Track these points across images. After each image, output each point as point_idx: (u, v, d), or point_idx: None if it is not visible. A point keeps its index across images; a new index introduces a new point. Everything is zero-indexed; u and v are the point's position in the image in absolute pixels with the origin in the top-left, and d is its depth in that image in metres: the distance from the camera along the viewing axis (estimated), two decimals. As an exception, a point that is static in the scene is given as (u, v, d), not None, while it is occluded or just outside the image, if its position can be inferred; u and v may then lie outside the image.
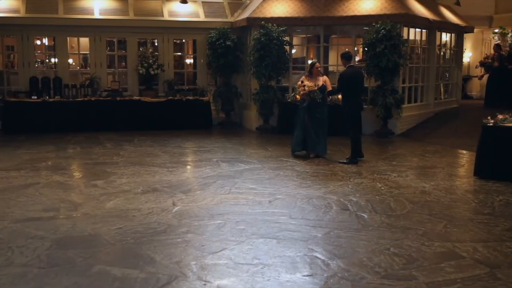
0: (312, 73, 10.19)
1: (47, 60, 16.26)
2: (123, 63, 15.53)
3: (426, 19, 13.89)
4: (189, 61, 17.23)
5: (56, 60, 14.85)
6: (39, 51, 16.42)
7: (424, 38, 14.71)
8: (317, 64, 10.41)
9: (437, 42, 15.17)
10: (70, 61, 15.75)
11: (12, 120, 13.37)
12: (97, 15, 14.29)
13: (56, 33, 14.44)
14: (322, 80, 10.13)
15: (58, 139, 12.23)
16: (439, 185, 8.07)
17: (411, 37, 13.98)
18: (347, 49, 11.73)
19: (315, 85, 9.94)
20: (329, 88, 10.20)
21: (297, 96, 10.14)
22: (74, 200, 7.03)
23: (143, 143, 11.90)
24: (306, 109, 10.04)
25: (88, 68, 15.13)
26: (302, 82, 10.15)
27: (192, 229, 5.78)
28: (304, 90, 9.94)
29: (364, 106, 13.24)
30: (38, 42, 16.69)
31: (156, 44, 15.56)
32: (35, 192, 7.39)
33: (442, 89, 16.31)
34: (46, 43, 16.89)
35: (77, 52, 15.85)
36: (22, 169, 8.96)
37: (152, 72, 14.39)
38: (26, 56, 14.20)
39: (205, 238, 5.51)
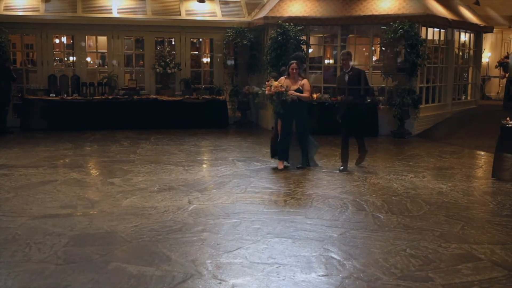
0: (289, 74, 9.02)
1: (65, 59, 16.38)
2: (141, 62, 15.62)
3: (445, 18, 13.78)
4: (206, 60, 17.26)
5: (74, 58, 14.99)
6: (57, 50, 16.54)
7: (442, 38, 14.59)
8: (293, 64, 8.99)
9: (456, 42, 15.05)
10: (88, 59, 15.87)
11: (30, 118, 13.52)
12: (115, 14, 14.39)
13: (74, 31, 14.58)
14: (300, 84, 8.95)
15: (76, 137, 12.34)
16: (456, 186, 8.00)
17: (429, 36, 13.87)
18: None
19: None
20: (306, 93, 8.89)
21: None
22: (91, 197, 7.08)
23: (160, 141, 11.96)
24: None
25: (105, 66, 15.24)
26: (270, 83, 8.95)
27: (208, 228, 5.79)
28: (270, 90, 8.79)
29: (382, 106, 13.24)
30: (57, 41, 16.82)
31: (173, 43, 15.63)
32: (52, 189, 7.45)
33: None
34: (65, 42, 17.03)
35: (95, 51, 15.97)
36: (40, 166, 9.05)
37: (169, 71, 14.48)
38: (45, 54, 14.36)
39: (220, 236, 5.51)
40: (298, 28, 13.32)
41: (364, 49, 16.34)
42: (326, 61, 15.98)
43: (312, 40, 15.25)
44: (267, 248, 5.18)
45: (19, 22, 13.86)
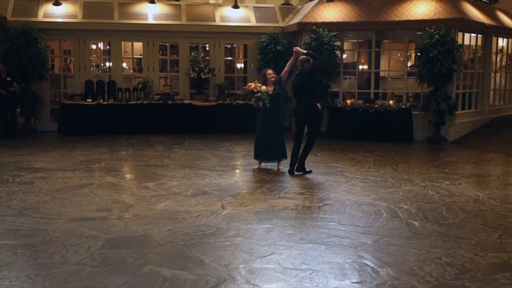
0: (266, 82, 9.34)
1: (102, 64, 16.67)
2: (175, 67, 15.78)
3: (482, 23, 13.55)
4: (239, 65, 17.35)
5: (111, 64, 15.23)
6: (94, 55, 16.86)
7: (479, 43, 14.35)
8: (269, 71, 9.47)
9: (493, 48, 14.78)
10: (124, 65, 16.11)
11: (68, 122, 13.78)
12: (150, 20, 14.59)
13: (111, 37, 14.83)
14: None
15: (111, 141, 12.52)
16: (493, 194, 7.84)
17: (466, 42, 13.66)
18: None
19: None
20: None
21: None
22: (126, 201, 7.17)
23: (193, 146, 12.05)
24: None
25: (141, 72, 15.45)
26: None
27: (241, 233, 5.80)
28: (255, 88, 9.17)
29: (416, 112, 13.12)
30: (94, 47, 17.15)
31: (207, 48, 15.75)
32: (89, 192, 7.58)
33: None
34: (101, 48, 17.33)
35: (131, 56, 16.20)
36: (77, 169, 9.21)
37: (203, 76, 14.57)
38: (82, 60, 14.63)
39: (253, 242, 5.52)
40: (332, 33, 13.28)
41: (398, 54, 16.17)
42: (360, 67, 15.88)
43: (346, 45, 15.19)
44: (300, 254, 5.17)
45: (57, 28, 14.17)
